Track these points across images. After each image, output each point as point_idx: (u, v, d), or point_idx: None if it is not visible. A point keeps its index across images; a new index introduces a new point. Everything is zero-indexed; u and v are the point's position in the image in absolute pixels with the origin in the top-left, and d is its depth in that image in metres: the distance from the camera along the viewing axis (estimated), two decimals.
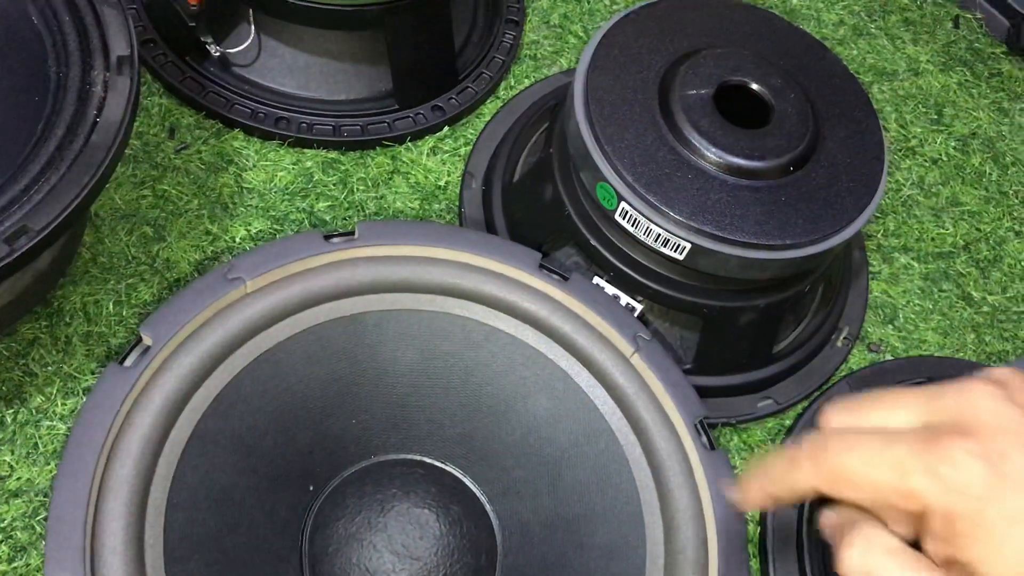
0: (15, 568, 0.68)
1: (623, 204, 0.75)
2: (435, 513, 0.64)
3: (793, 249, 0.75)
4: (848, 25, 1.18)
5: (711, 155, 0.77)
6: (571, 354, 0.68)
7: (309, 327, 0.65)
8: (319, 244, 0.65)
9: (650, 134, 0.78)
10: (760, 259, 0.75)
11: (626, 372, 0.67)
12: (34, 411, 0.74)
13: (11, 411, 0.74)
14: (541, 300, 0.68)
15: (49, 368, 0.76)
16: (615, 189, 0.75)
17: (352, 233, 0.66)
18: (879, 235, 1.01)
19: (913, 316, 0.97)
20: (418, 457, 0.68)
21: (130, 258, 0.83)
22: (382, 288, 0.66)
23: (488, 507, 0.67)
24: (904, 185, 1.05)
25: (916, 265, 1.00)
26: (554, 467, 0.67)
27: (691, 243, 0.74)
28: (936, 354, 0.95)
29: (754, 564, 0.81)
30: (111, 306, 0.79)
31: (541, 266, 0.69)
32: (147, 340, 0.60)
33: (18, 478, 0.71)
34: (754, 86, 0.81)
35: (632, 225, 0.76)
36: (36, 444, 0.73)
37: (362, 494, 0.64)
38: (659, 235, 0.75)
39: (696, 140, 0.77)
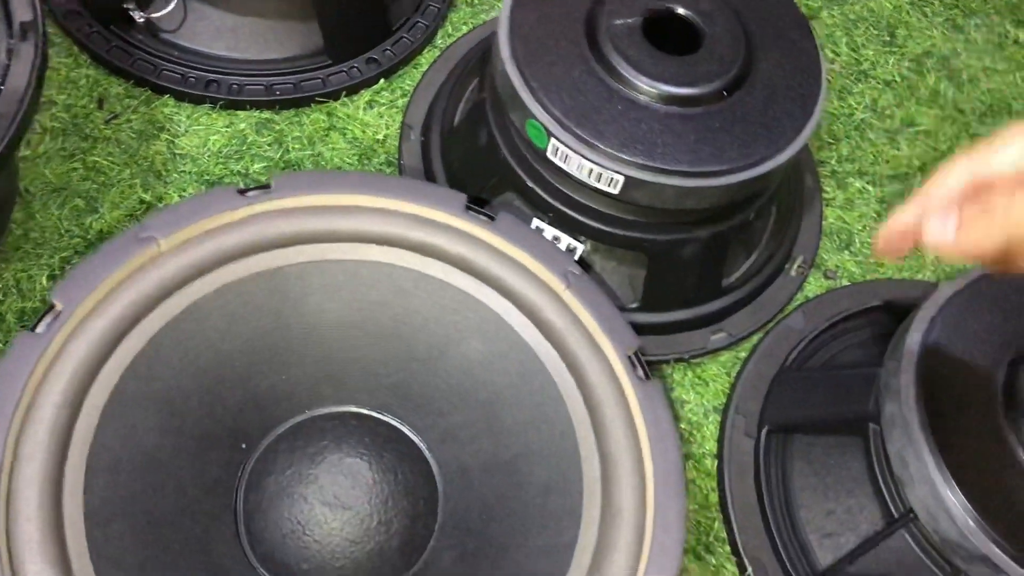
0: None
1: (553, 141, 0.74)
2: (367, 462, 0.63)
3: (728, 175, 0.74)
4: None
5: (641, 84, 0.75)
6: (502, 294, 0.66)
7: (228, 283, 0.63)
8: (234, 199, 0.64)
9: (578, 67, 0.76)
10: (696, 187, 0.73)
11: (558, 308, 0.65)
12: None
13: None
14: (468, 242, 0.67)
15: None
16: (544, 126, 0.73)
17: (268, 186, 0.65)
18: (832, 161, 1.00)
19: (869, 240, 0.95)
20: (353, 409, 0.67)
21: (63, 232, 0.82)
22: (302, 240, 0.65)
23: (427, 454, 0.66)
24: (857, 109, 1.03)
25: (871, 189, 0.98)
26: (491, 409, 0.66)
27: (624, 176, 0.73)
28: (894, 277, 0.94)
29: (712, 497, 0.80)
30: (44, 280, 0.78)
31: (468, 207, 0.68)
32: (58, 305, 0.58)
33: None
34: (682, 11, 0.79)
35: (564, 162, 0.74)
36: None
37: (293, 448, 0.64)
38: (591, 170, 0.73)
39: (624, 70, 0.75)
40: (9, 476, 0.54)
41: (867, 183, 0.99)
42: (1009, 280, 0.74)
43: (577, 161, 0.73)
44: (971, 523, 0.64)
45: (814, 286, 0.92)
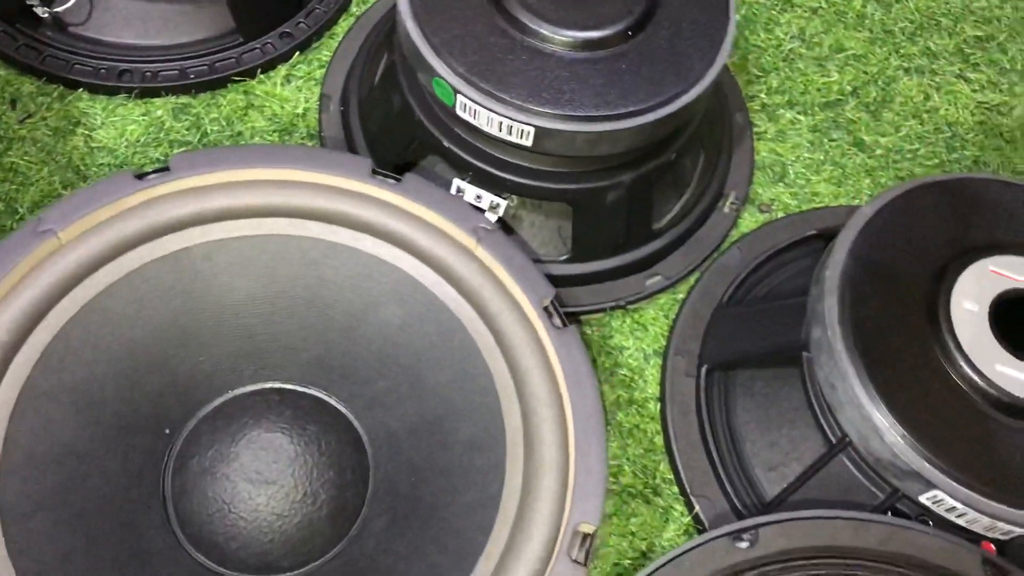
0: None
1: (460, 97, 0.73)
2: (288, 435, 0.63)
3: (638, 116, 0.73)
4: None
5: (544, 32, 0.74)
6: (414, 256, 0.66)
7: (134, 269, 0.63)
8: (131, 184, 0.63)
9: (479, 21, 0.75)
10: (606, 131, 0.72)
11: (470, 265, 0.65)
12: None
13: None
14: (376, 206, 0.66)
15: None
16: (449, 83, 0.73)
17: (166, 168, 0.64)
18: (762, 94, 0.99)
19: (804, 170, 0.95)
20: (276, 385, 0.67)
21: None
22: (206, 219, 0.65)
23: (355, 422, 0.66)
24: (784, 40, 1.02)
25: (803, 118, 0.97)
26: (413, 372, 0.65)
27: (534, 126, 0.72)
28: (831, 205, 0.93)
29: (657, 440, 0.80)
30: None
31: (374, 171, 0.67)
32: None
33: None
34: None
35: (474, 117, 0.74)
36: None
37: (214, 429, 0.63)
38: (501, 123, 0.72)
39: (527, 19, 0.74)
40: None
41: (798, 113, 0.98)
42: (929, 195, 0.74)
43: (486, 116, 0.73)
44: (900, 441, 0.64)
45: (750, 221, 0.92)
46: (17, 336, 0.59)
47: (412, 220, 0.66)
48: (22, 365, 0.59)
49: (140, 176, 0.64)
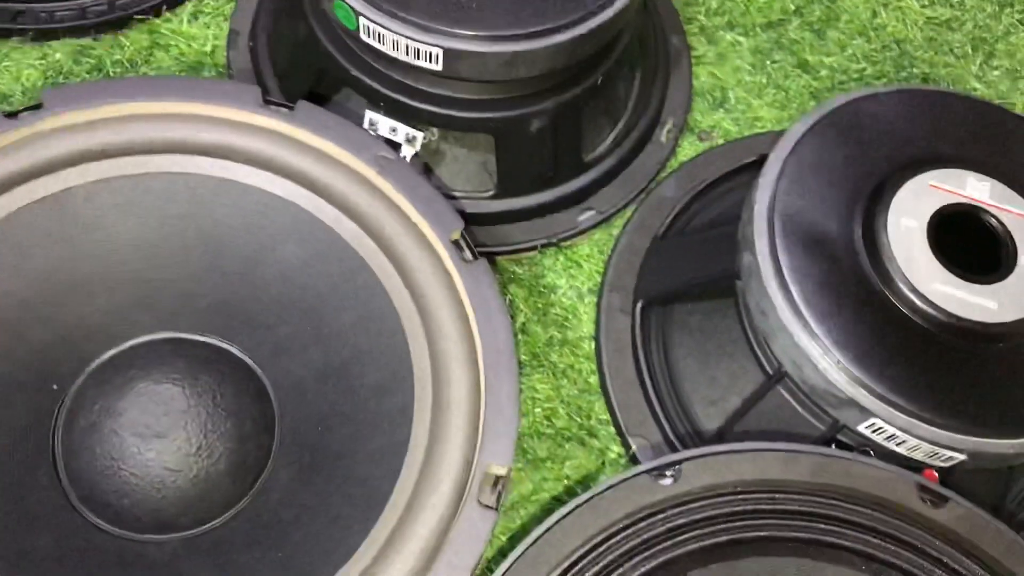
0: None
1: (362, 20, 0.68)
2: (180, 387, 0.59)
3: (554, 34, 0.68)
4: None
5: None
6: (310, 190, 0.62)
7: (8, 215, 0.59)
8: (1, 123, 0.59)
9: None
10: (519, 52, 0.68)
11: (372, 198, 0.61)
12: None
13: None
14: (268, 138, 0.62)
15: None
16: (350, 5, 0.68)
17: (39, 105, 0.60)
18: (700, 16, 0.94)
19: (745, 95, 0.90)
20: (172, 334, 0.63)
21: None
22: (85, 158, 0.60)
23: (259, 371, 0.62)
24: None
25: (744, 40, 0.93)
26: (316, 315, 0.61)
27: (442, 47, 0.67)
28: (775, 130, 0.89)
29: (593, 380, 0.76)
30: None
31: (265, 100, 0.62)
32: None
33: None
34: None
35: (379, 41, 0.69)
36: None
37: (102, 382, 0.59)
38: (407, 46, 0.68)
39: None
40: None
41: (739, 35, 0.93)
42: (865, 109, 0.69)
43: (391, 38, 0.68)
44: (832, 367, 0.61)
45: (688, 150, 0.87)
46: None
47: (307, 151, 0.62)
48: None
49: (11, 115, 0.59)
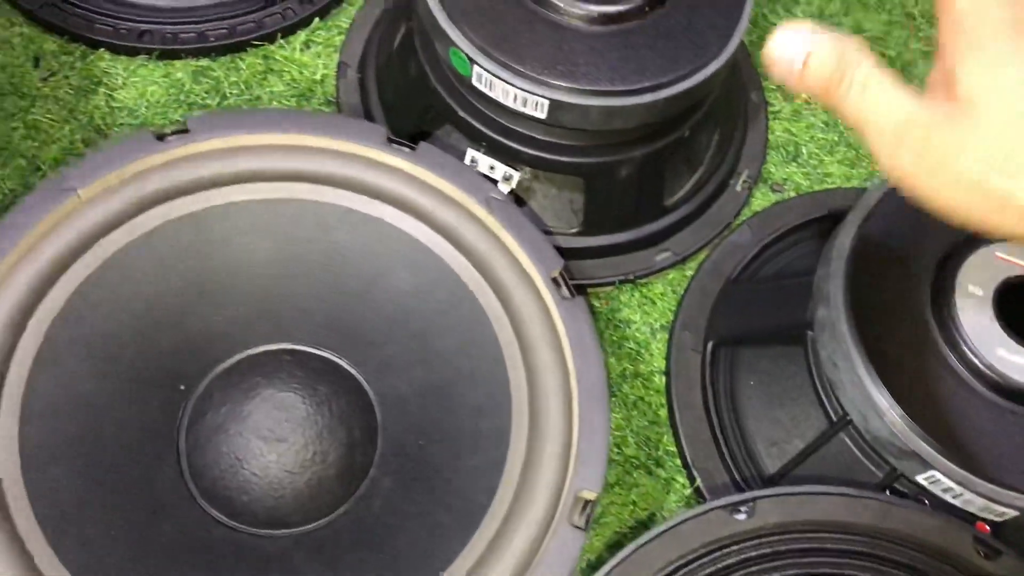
0: None
1: (476, 68, 0.74)
2: (300, 395, 0.65)
3: (652, 92, 0.73)
4: None
5: (561, 5, 0.74)
6: (426, 224, 0.67)
7: (152, 229, 0.64)
8: (151, 144, 0.65)
9: None
10: (620, 106, 0.73)
11: (481, 234, 0.66)
12: None
13: None
14: (390, 174, 0.67)
15: None
16: (465, 53, 0.73)
17: (186, 129, 0.65)
18: None
19: (817, 151, 0.95)
20: (288, 346, 0.68)
21: (6, 192, 0.82)
22: (224, 181, 0.66)
23: (366, 385, 0.68)
24: (803, 19, 1.02)
25: None
26: (422, 338, 0.67)
27: (549, 99, 0.73)
28: (843, 187, 0.94)
29: (662, 412, 0.81)
30: None
31: (389, 139, 0.68)
32: None
33: None
34: None
35: (489, 88, 0.74)
36: None
37: (228, 386, 0.65)
38: (516, 95, 0.73)
39: None
40: None
41: None
42: None
43: (502, 87, 0.73)
44: (899, 421, 0.65)
45: (761, 200, 0.92)
46: (38, 290, 0.60)
47: (425, 188, 0.67)
48: (43, 319, 0.60)
49: (160, 137, 0.65)
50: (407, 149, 0.67)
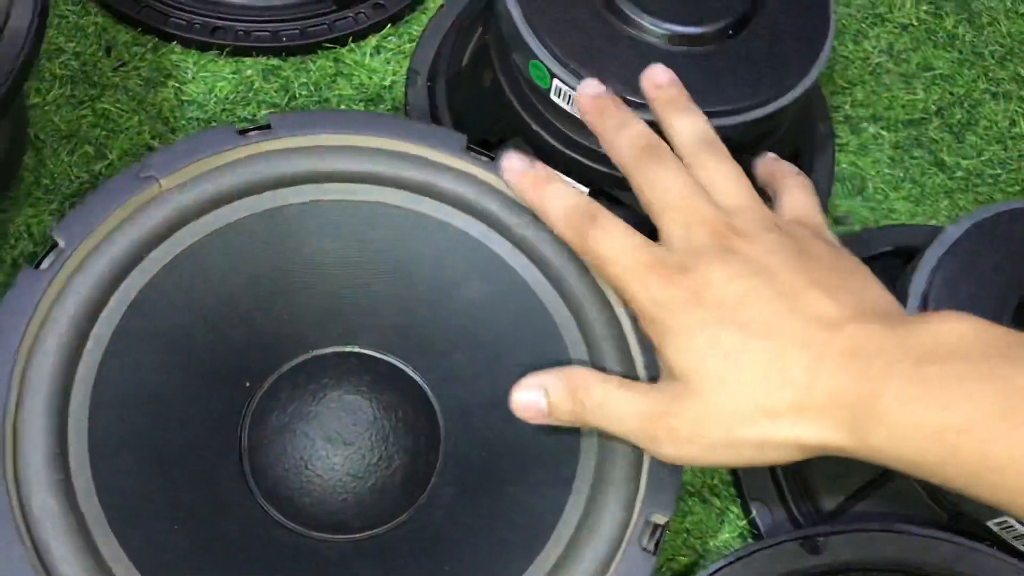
0: None
1: (556, 82, 0.73)
2: (368, 399, 0.64)
3: (732, 116, 0.73)
4: None
5: (645, 23, 0.74)
6: (502, 235, 0.66)
7: (229, 223, 0.64)
8: (233, 138, 0.64)
9: (580, 6, 0.75)
10: None
11: (558, 249, 0.65)
12: None
13: None
14: (469, 182, 0.67)
15: None
16: (546, 66, 0.73)
17: (268, 126, 0.65)
18: (846, 106, 0.98)
19: (883, 186, 0.94)
20: (356, 349, 0.67)
21: (73, 178, 0.82)
22: (302, 180, 0.65)
23: (430, 393, 0.67)
24: (872, 53, 1.02)
25: (886, 134, 0.97)
26: (492, 350, 0.66)
27: None
28: (907, 222, 0.93)
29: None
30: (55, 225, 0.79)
31: (468, 148, 0.67)
32: (61, 243, 0.59)
33: None
34: None
35: (568, 103, 0.74)
36: None
37: (295, 386, 0.64)
38: None
39: (629, 9, 0.74)
40: (16, 408, 0.55)
41: (881, 128, 0.97)
42: (1014, 222, 0.73)
43: None
44: None
45: None
46: (114, 278, 0.60)
47: (503, 199, 0.66)
48: (116, 308, 0.60)
49: (242, 132, 0.64)
50: (486, 158, 0.66)
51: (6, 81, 0.64)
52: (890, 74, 1.01)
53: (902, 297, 0.71)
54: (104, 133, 0.85)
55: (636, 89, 0.71)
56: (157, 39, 0.90)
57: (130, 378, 0.59)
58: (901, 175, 0.95)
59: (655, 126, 0.65)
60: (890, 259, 0.88)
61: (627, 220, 0.81)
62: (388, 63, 0.92)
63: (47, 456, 0.54)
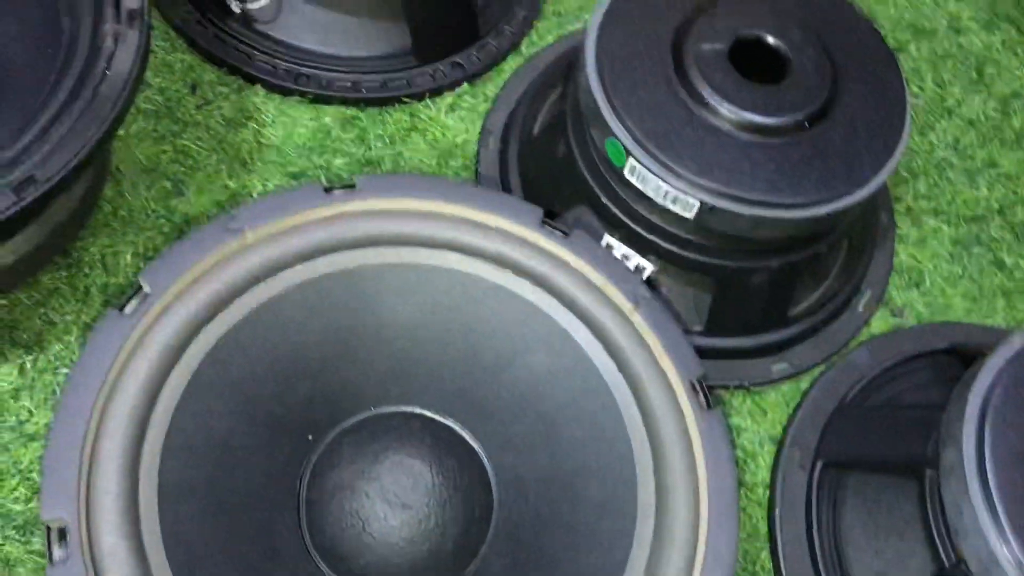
0: (31, 508, 0.70)
1: (631, 160, 0.74)
2: (428, 464, 0.65)
3: (804, 208, 0.74)
4: None
5: (723, 111, 0.75)
6: (570, 311, 0.68)
7: (309, 279, 0.65)
8: (320, 196, 0.66)
9: (662, 89, 0.76)
10: (770, 218, 0.73)
11: (624, 329, 0.66)
12: (53, 358, 0.76)
13: (31, 358, 0.76)
14: (542, 256, 0.68)
15: (68, 317, 0.78)
16: (624, 145, 0.74)
17: (353, 186, 0.67)
18: (908, 197, 0.99)
19: (940, 281, 0.95)
20: (417, 410, 0.69)
21: (149, 212, 0.84)
22: (382, 241, 0.67)
23: (486, 461, 0.68)
24: (938, 147, 1.02)
25: (946, 229, 0.97)
26: (551, 423, 0.67)
27: (700, 201, 0.73)
28: (964, 320, 0.93)
29: (762, 526, 0.80)
30: (129, 258, 0.81)
31: (543, 222, 0.69)
32: (146, 288, 0.61)
33: (36, 422, 0.74)
34: (771, 40, 0.79)
35: (641, 182, 0.75)
36: (54, 390, 0.75)
37: (358, 443, 0.65)
38: (667, 192, 0.74)
39: (708, 95, 0.76)
40: (92, 449, 0.56)
41: (943, 222, 0.98)
42: None
43: (654, 183, 0.74)
44: None
45: (880, 323, 0.92)
46: (195, 325, 0.62)
47: (574, 275, 0.68)
48: (194, 355, 0.61)
49: (328, 190, 0.66)
50: (560, 233, 0.68)
51: (104, 124, 0.66)
52: (954, 168, 1.01)
53: (960, 401, 0.71)
54: (183, 169, 0.87)
55: (712, 175, 0.72)
56: (241, 80, 0.92)
57: (201, 425, 0.61)
58: (959, 271, 0.95)
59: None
60: (944, 357, 0.88)
61: (683, 289, 0.83)
62: (462, 121, 0.94)
63: (119, 499, 0.55)
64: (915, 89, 1.06)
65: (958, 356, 0.87)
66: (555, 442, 0.66)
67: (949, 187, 1.00)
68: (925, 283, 0.94)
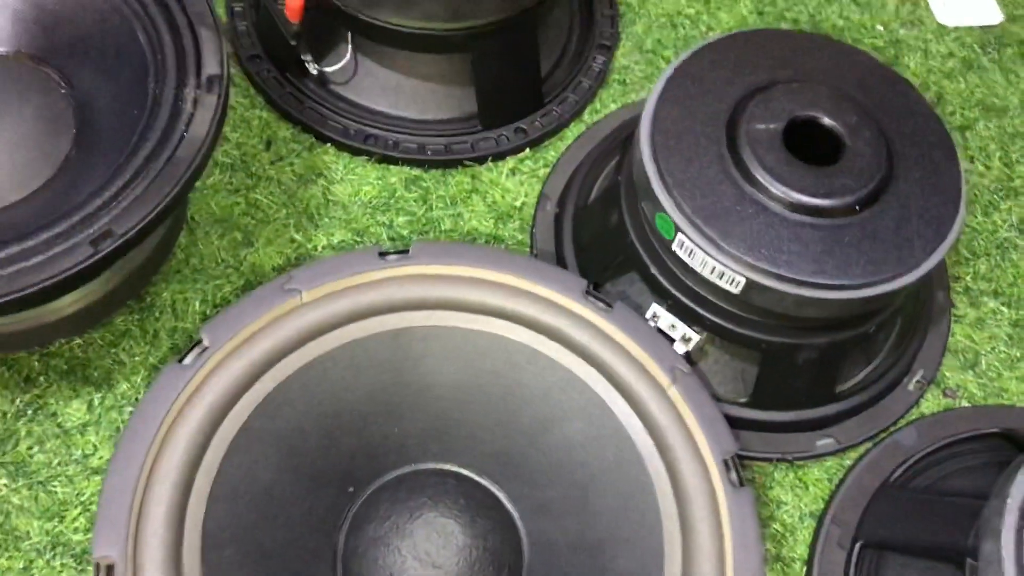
0: (88, 539, 0.74)
1: (680, 235, 0.76)
2: (460, 524, 0.67)
3: (850, 290, 0.74)
4: (958, 58, 1.14)
5: (774, 191, 0.76)
6: (609, 382, 0.69)
7: (358, 338, 0.69)
8: (374, 261, 0.69)
9: (714, 167, 0.78)
10: (816, 298, 0.74)
11: (661, 403, 0.68)
12: (119, 397, 0.81)
13: (99, 395, 0.81)
14: (584, 327, 0.70)
15: (136, 358, 0.82)
16: (673, 221, 0.76)
17: (406, 251, 0.70)
18: (967, 277, 0.98)
19: (997, 364, 0.93)
20: (454, 468, 0.71)
21: (219, 261, 0.89)
22: (430, 305, 0.70)
23: (519, 523, 0.69)
24: (1001, 227, 1.01)
25: (1006, 311, 0.96)
26: (584, 490, 0.68)
27: (746, 278, 0.74)
28: (1017, 404, 0.92)
29: None
30: (197, 304, 0.86)
31: (587, 293, 0.71)
32: (205, 341, 0.65)
33: (100, 457, 0.78)
34: (826, 121, 0.80)
35: (689, 256, 0.77)
36: (118, 427, 0.79)
37: (395, 499, 0.68)
38: (714, 268, 0.75)
39: (760, 175, 0.77)
40: (144, 493, 0.60)
41: (1002, 304, 0.96)
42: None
43: (701, 258, 0.75)
44: None
45: (931, 403, 0.91)
46: (248, 379, 0.65)
47: (615, 347, 0.69)
48: (244, 407, 0.65)
49: (383, 254, 0.69)
50: (603, 305, 0.69)
51: (178, 184, 0.70)
52: (1017, 250, 1.00)
53: (1002, 493, 0.70)
54: (253, 222, 0.91)
55: (760, 254, 0.73)
56: (314, 138, 0.97)
57: (247, 474, 0.64)
58: (1017, 355, 0.94)
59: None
60: (995, 441, 0.86)
61: (729, 360, 0.83)
62: (522, 184, 0.97)
63: (165, 541, 0.59)
64: (981, 168, 1.05)
65: (1010, 442, 0.86)
66: (587, 509, 0.67)
67: (1011, 268, 0.99)
68: (980, 365, 0.93)
